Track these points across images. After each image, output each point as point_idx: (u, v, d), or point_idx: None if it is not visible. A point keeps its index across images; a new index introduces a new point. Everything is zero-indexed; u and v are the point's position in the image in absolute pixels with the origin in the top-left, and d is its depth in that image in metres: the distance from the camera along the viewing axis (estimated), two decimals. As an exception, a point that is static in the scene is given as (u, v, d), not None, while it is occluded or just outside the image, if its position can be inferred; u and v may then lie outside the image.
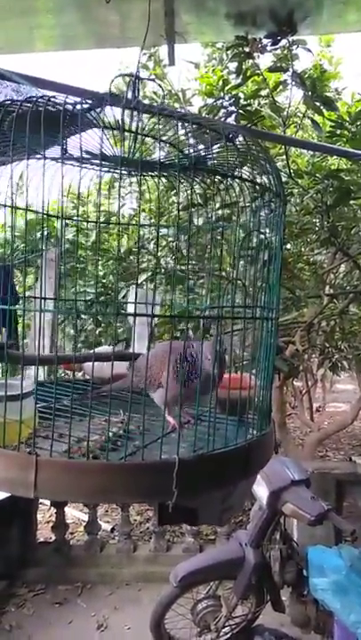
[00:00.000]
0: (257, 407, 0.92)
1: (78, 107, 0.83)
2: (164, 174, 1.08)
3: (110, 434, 0.95)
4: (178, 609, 2.45)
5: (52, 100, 0.75)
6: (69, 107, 0.82)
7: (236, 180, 0.92)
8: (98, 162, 0.94)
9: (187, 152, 0.96)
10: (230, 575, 2.40)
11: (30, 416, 0.84)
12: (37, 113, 0.77)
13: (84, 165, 0.90)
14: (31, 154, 0.90)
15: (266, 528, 2.34)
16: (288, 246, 3.50)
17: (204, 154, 0.89)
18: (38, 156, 0.82)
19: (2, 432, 0.77)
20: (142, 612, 2.88)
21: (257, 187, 0.87)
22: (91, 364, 1.09)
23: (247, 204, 0.99)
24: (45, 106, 0.74)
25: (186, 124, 0.86)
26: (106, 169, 0.97)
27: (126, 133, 0.92)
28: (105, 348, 1.36)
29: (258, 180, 0.88)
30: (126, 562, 3.32)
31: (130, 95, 0.93)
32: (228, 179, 0.92)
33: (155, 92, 2.91)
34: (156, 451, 0.84)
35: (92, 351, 1.17)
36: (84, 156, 0.89)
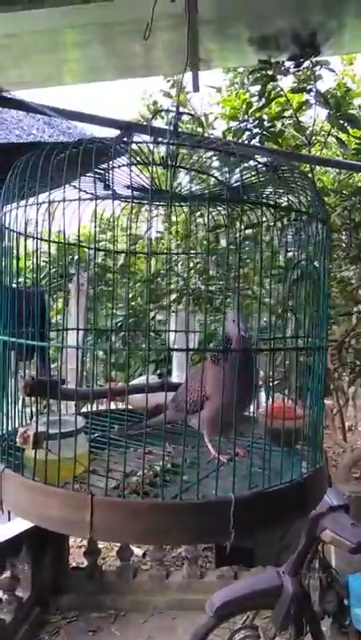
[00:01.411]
0: (311, 440, 0.90)
1: (122, 142, 0.84)
2: (205, 205, 1.08)
3: (158, 468, 0.93)
4: (214, 639, 2.39)
5: (102, 142, 0.76)
6: (112, 142, 0.83)
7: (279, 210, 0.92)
8: (144, 196, 0.95)
9: (228, 183, 0.96)
10: (268, 605, 2.33)
11: (83, 452, 0.83)
12: (83, 152, 0.79)
13: (134, 201, 0.91)
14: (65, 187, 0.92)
15: (304, 556, 2.26)
16: (315, 263, 3.46)
17: (247, 184, 0.89)
18: (88, 194, 0.83)
19: (56, 470, 0.77)
20: (177, 641, 2.82)
21: (303, 216, 0.86)
22: (135, 395, 1.08)
23: (290, 230, 0.98)
24: (95, 146, 0.75)
25: (229, 155, 0.86)
26: (156, 203, 0.98)
27: (168, 168, 0.93)
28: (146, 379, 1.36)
29: (303, 209, 0.87)
30: (159, 589, 3.25)
31: (171, 129, 0.94)
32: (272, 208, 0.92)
33: (179, 119, 2.96)
34: (206, 486, 0.82)
35: (136, 381, 1.17)
36: (134, 193, 0.90)
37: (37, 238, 0.85)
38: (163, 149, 0.94)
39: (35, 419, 0.85)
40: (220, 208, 1.22)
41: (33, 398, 0.92)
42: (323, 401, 0.94)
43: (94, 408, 1.31)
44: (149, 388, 1.01)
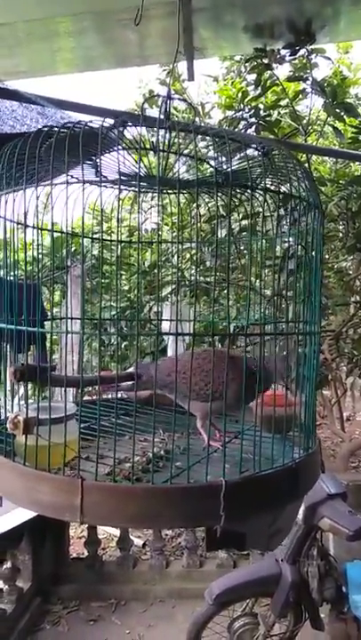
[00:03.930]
0: (303, 425, 0.90)
1: (114, 129, 0.84)
2: (201, 191, 1.08)
3: (151, 454, 0.94)
4: (214, 627, 2.41)
5: (89, 124, 0.76)
6: (104, 129, 0.83)
7: (270, 194, 0.91)
8: (134, 183, 0.94)
9: (220, 168, 0.96)
10: (267, 592, 2.35)
11: (74, 438, 0.83)
12: (72, 137, 0.78)
13: (122, 187, 0.91)
14: (58, 175, 0.91)
15: (302, 544, 2.28)
16: (312, 253, 3.45)
17: (239, 169, 0.89)
18: (75, 180, 0.83)
19: (47, 456, 0.77)
20: (177, 629, 2.83)
21: (294, 200, 0.86)
22: (125, 383, 1.08)
23: (284, 216, 0.98)
24: (82, 131, 0.75)
25: (220, 140, 0.86)
26: (143, 189, 0.98)
27: (158, 153, 0.92)
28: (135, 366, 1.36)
29: (295, 193, 0.86)
30: (159, 578, 3.28)
31: (161, 115, 0.93)
32: (262, 192, 0.91)
33: (175, 108, 2.94)
34: (199, 472, 0.82)
35: (131, 370, 1.17)
36: (122, 178, 0.90)
37: (23, 224, 0.84)
38: (160, 141, 0.93)
39: (25, 404, 0.85)
40: (217, 197, 1.21)
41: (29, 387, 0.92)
42: (315, 386, 0.93)
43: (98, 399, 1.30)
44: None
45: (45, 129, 0.76)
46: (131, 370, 1.05)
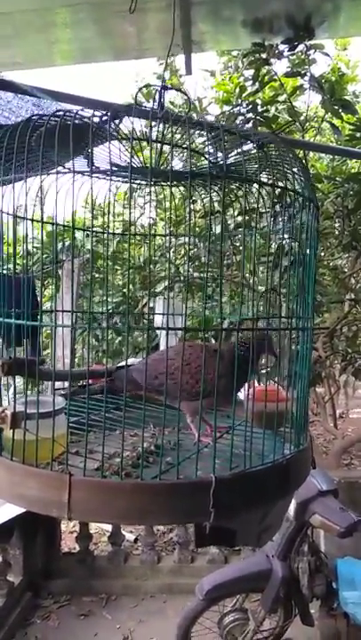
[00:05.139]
0: (294, 421, 0.89)
1: (105, 119, 0.82)
2: (193, 184, 1.07)
3: (141, 449, 0.93)
4: (204, 622, 2.41)
5: (80, 113, 0.74)
6: (96, 119, 0.81)
7: (266, 187, 0.90)
8: (126, 174, 0.93)
9: (214, 160, 0.94)
10: (257, 588, 2.36)
11: (62, 433, 0.82)
12: (63, 127, 0.77)
13: (113, 178, 0.89)
14: (54, 167, 0.90)
15: (293, 540, 2.29)
16: (307, 251, 3.44)
17: (234, 161, 0.88)
18: (66, 170, 0.82)
19: (35, 451, 0.76)
20: (168, 624, 2.84)
21: (290, 194, 0.85)
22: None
23: (279, 211, 0.97)
24: (73, 119, 0.73)
25: (213, 132, 0.85)
26: (136, 180, 0.97)
27: (151, 143, 0.91)
28: (133, 361, 1.35)
29: (289, 187, 0.86)
30: (150, 573, 3.29)
31: (155, 106, 0.92)
32: (257, 185, 0.90)
33: (171, 102, 2.92)
34: (189, 467, 0.81)
35: (120, 364, 1.16)
36: (113, 168, 0.89)
37: (14, 215, 0.83)
38: (154, 133, 0.92)
39: (13, 398, 0.84)
40: (210, 190, 1.20)
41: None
42: (308, 382, 0.93)
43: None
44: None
45: (35, 117, 0.75)
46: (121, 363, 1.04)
